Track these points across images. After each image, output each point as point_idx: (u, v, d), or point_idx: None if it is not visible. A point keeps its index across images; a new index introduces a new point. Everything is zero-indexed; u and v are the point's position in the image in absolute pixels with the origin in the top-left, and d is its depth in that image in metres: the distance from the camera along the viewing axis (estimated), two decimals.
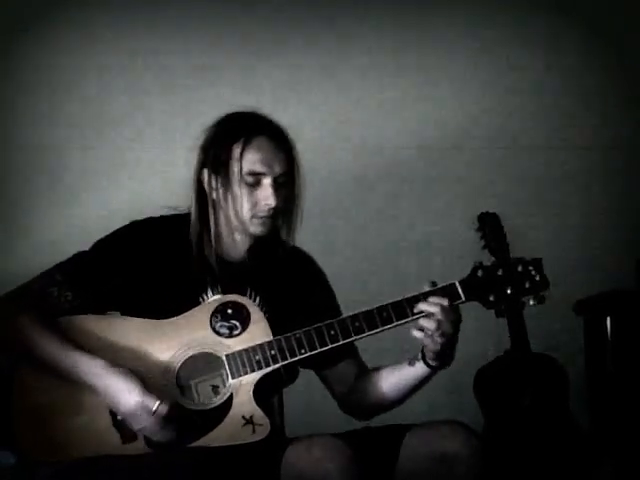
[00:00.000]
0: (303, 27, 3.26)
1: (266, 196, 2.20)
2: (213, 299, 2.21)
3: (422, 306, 2.12)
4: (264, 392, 2.17)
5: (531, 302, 2.18)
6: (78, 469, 2.03)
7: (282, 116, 2.30)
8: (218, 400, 2.14)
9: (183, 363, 2.15)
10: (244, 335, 2.16)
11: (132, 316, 2.19)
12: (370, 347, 2.33)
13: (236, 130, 2.22)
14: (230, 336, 2.17)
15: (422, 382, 2.23)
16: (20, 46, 3.09)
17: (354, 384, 2.31)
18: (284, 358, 2.14)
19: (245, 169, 2.19)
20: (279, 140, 2.24)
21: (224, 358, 2.15)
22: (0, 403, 2.14)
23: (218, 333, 2.17)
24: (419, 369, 2.20)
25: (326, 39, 3.28)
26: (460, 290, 2.16)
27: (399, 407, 2.31)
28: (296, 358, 2.14)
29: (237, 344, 2.16)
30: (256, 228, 2.23)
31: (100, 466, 2.04)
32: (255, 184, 2.21)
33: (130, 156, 3.14)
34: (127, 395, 2.07)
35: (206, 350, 2.17)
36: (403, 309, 2.14)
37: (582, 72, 3.43)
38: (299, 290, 2.31)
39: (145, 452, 2.10)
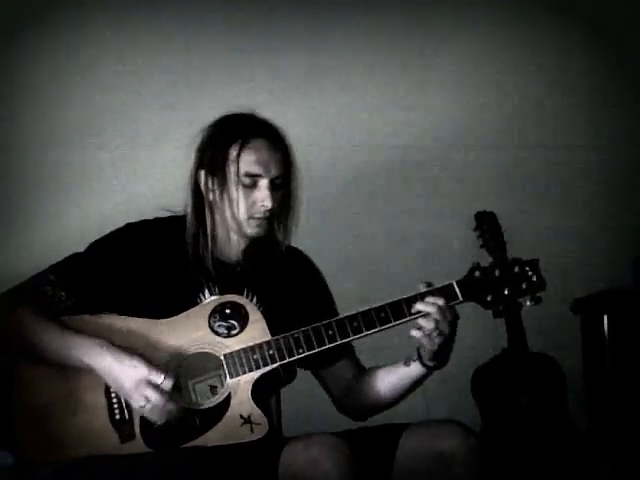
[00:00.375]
0: (302, 27, 3.25)
1: (262, 197, 2.20)
2: (211, 299, 2.22)
3: (419, 306, 2.13)
4: (262, 392, 2.18)
5: (528, 303, 2.19)
6: (76, 469, 2.03)
7: (280, 116, 2.30)
8: (216, 399, 2.15)
9: (181, 363, 2.16)
10: (242, 335, 2.17)
11: (129, 316, 2.19)
12: (366, 347, 2.33)
13: (233, 132, 2.23)
14: (228, 336, 2.17)
15: (418, 382, 2.24)
16: (19, 46, 3.08)
17: (350, 384, 2.32)
18: (282, 358, 2.15)
19: (242, 170, 2.20)
20: (276, 141, 2.25)
21: (222, 358, 2.16)
22: None
23: (216, 333, 2.18)
24: (415, 369, 2.21)
25: (325, 39, 3.28)
26: (457, 290, 2.17)
27: (396, 406, 2.31)
28: (294, 358, 2.15)
29: (235, 344, 2.16)
30: (252, 229, 2.23)
31: (98, 466, 2.04)
32: (252, 185, 2.21)
33: (129, 156, 3.14)
34: (131, 371, 2.08)
35: (204, 350, 2.17)
36: (401, 309, 2.15)
37: (582, 72, 3.43)
38: (296, 290, 2.32)
39: (143, 451, 2.11)
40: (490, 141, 3.37)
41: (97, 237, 2.26)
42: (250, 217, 2.22)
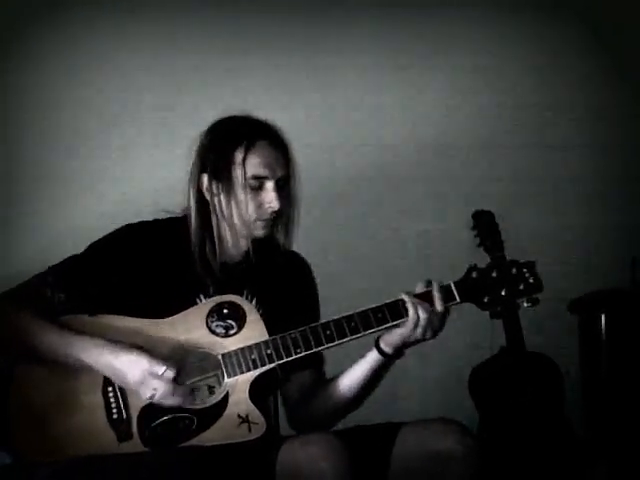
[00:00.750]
0: (302, 27, 3.25)
1: (270, 199, 2.22)
2: (209, 299, 2.22)
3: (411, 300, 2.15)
4: (260, 391, 2.19)
5: (525, 304, 2.20)
6: (74, 468, 2.03)
7: (280, 117, 2.31)
8: (214, 399, 2.16)
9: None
10: (240, 335, 2.18)
11: (127, 317, 2.20)
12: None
13: (236, 135, 2.23)
14: (226, 336, 2.18)
15: (376, 376, 2.23)
16: (18, 46, 3.08)
17: (309, 393, 2.32)
18: (280, 357, 2.15)
19: (249, 174, 2.21)
20: (278, 143, 2.26)
21: (220, 357, 2.16)
22: None
23: (214, 333, 2.18)
24: (372, 359, 2.21)
25: (325, 39, 3.27)
26: (455, 291, 2.17)
27: (393, 405, 2.32)
28: (292, 357, 2.16)
29: (233, 344, 2.17)
30: (259, 231, 2.25)
31: (96, 465, 2.04)
32: (258, 188, 2.22)
33: (128, 157, 3.13)
34: (133, 365, 2.09)
35: (202, 350, 2.18)
36: (398, 309, 2.16)
37: (581, 72, 3.42)
38: (291, 294, 2.33)
39: (141, 451, 2.11)
40: (490, 141, 3.36)
41: (96, 238, 2.26)
42: (257, 219, 2.24)
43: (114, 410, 2.14)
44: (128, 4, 3.12)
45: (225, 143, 2.24)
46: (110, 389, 2.15)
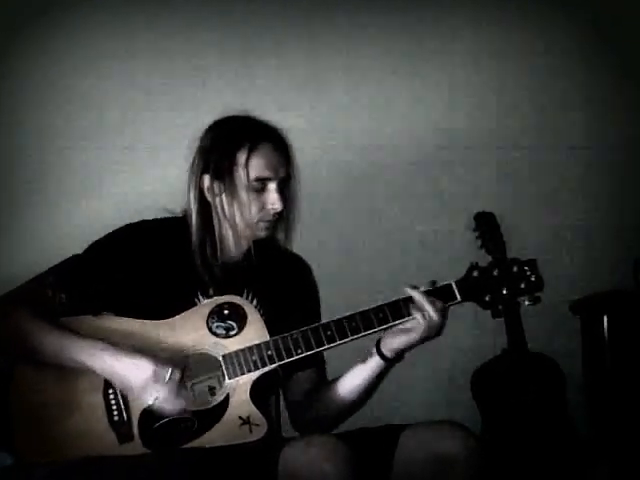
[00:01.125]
0: (302, 28, 3.25)
1: (273, 201, 2.21)
2: (209, 300, 2.22)
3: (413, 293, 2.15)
4: (261, 392, 2.18)
5: (526, 303, 2.19)
6: (75, 469, 2.02)
7: (280, 117, 2.30)
8: (215, 400, 2.15)
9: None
10: (240, 336, 2.17)
11: (128, 317, 2.19)
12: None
13: (238, 136, 2.23)
14: (227, 336, 2.17)
15: (377, 379, 2.23)
16: (19, 47, 3.09)
17: (310, 394, 2.31)
18: (281, 358, 2.15)
19: (252, 175, 2.20)
20: (280, 144, 2.26)
21: (221, 358, 2.16)
22: None
23: (215, 334, 2.18)
24: (374, 364, 2.20)
25: (326, 39, 3.28)
26: (456, 291, 2.17)
27: (396, 407, 2.31)
28: (292, 358, 2.15)
29: (234, 344, 2.16)
30: (261, 232, 2.25)
31: (97, 466, 2.03)
32: (261, 189, 2.22)
33: (128, 157, 3.14)
34: (137, 369, 2.08)
35: (203, 351, 2.17)
36: (399, 309, 2.15)
37: (582, 72, 3.43)
38: (292, 295, 2.33)
39: (142, 452, 2.11)
40: (490, 141, 3.37)
41: (97, 238, 2.26)
42: (260, 220, 2.23)
43: (115, 411, 2.13)
44: (128, 4, 3.13)
45: (227, 144, 2.23)
46: (111, 390, 2.14)
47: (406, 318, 2.15)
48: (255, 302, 2.24)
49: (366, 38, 3.30)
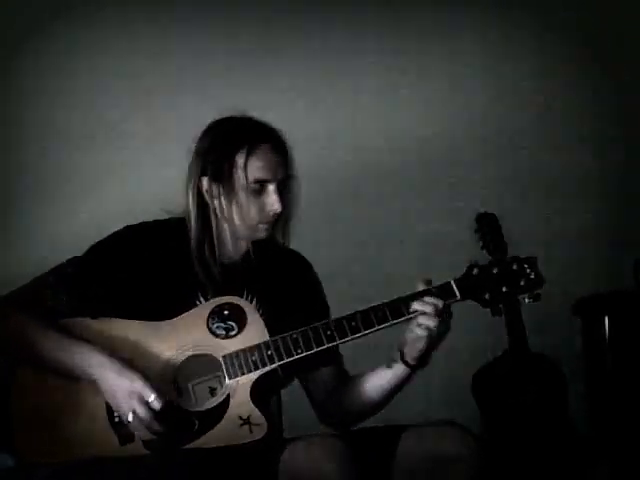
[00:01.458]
0: (302, 29, 3.26)
1: (272, 202, 2.21)
2: (209, 301, 2.21)
3: (417, 306, 2.13)
4: (262, 392, 2.18)
5: (526, 300, 2.18)
6: (76, 470, 2.03)
7: (280, 117, 2.30)
8: (215, 401, 2.15)
9: (180, 364, 2.16)
10: (241, 336, 2.17)
11: (128, 319, 2.19)
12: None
13: (236, 138, 2.22)
14: (227, 337, 2.17)
15: (401, 384, 2.23)
16: (20, 47, 3.09)
17: (334, 390, 2.32)
18: (281, 358, 2.15)
19: (251, 177, 2.20)
20: (279, 145, 2.25)
21: (221, 359, 2.16)
22: None
23: (215, 334, 2.18)
24: (398, 370, 2.20)
25: (325, 40, 3.28)
26: (456, 289, 2.16)
27: (397, 408, 2.31)
28: (293, 358, 2.15)
29: (234, 345, 2.16)
30: (261, 233, 2.25)
31: (98, 467, 2.03)
32: (260, 191, 2.22)
33: (129, 158, 3.14)
34: (126, 383, 2.08)
35: (203, 351, 2.17)
36: (399, 308, 2.15)
37: (582, 73, 3.43)
38: (294, 293, 2.32)
39: (142, 453, 2.11)
40: (490, 141, 3.37)
41: (96, 238, 2.26)
42: (259, 222, 2.23)
43: (115, 412, 2.13)
44: (129, 4, 3.14)
45: (226, 146, 2.22)
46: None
47: (405, 317, 2.14)
48: (255, 302, 2.25)
49: (367, 39, 3.30)
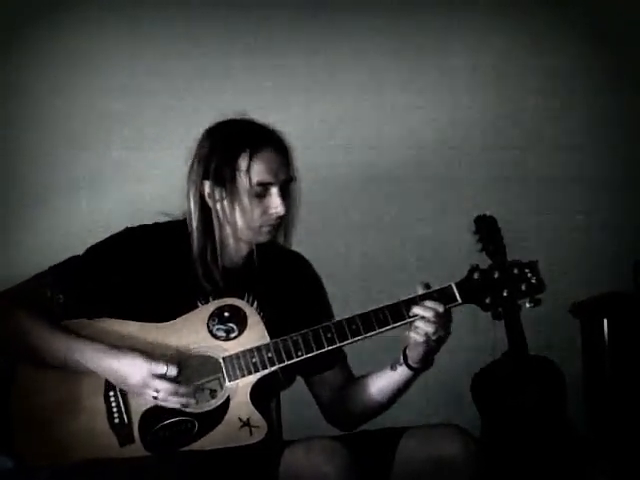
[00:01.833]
0: (302, 29, 3.26)
1: (275, 205, 2.21)
2: (210, 302, 2.21)
3: (417, 310, 2.13)
4: (262, 395, 2.18)
5: (527, 305, 2.18)
6: (76, 472, 2.03)
7: (281, 118, 2.30)
8: (215, 403, 2.15)
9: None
10: (241, 338, 2.17)
11: (127, 320, 2.19)
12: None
13: (238, 141, 2.21)
14: (227, 339, 2.17)
15: (405, 385, 2.23)
16: (19, 47, 3.09)
17: (340, 391, 2.32)
18: (281, 360, 2.15)
19: (254, 181, 2.19)
20: (280, 147, 2.24)
21: (221, 361, 2.15)
22: None
23: (215, 336, 2.18)
24: (402, 373, 2.21)
25: (324, 40, 3.28)
26: (456, 292, 2.16)
27: (396, 410, 2.31)
28: (293, 360, 2.15)
29: (234, 347, 2.16)
30: (264, 236, 2.24)
31: (97, 469, 2.03)
32: (263, 194, 2.21)
33: (129, 160, 3.14)
34: (133, 368, 2.09)
35: (203, 353, 2.17)
36: (399, 311, 2.15)
37: (581, 73, 3.43)
38: (296, 294, 2.32)
39: (142, 455, 2.11)
40: (490, 142, 3.37)
41: (96, 238, 2.26)
42: (262, 225, 2.22)
43: (116, 414, 2.13)
44: (129, 6, 3.13)
45: (227, 150, 2.21)
46: (112, 393, 2.14)
47: (406, 320, 2.14)
48: (256, 304, 2.24)
49: (367, 38, 3.30)
